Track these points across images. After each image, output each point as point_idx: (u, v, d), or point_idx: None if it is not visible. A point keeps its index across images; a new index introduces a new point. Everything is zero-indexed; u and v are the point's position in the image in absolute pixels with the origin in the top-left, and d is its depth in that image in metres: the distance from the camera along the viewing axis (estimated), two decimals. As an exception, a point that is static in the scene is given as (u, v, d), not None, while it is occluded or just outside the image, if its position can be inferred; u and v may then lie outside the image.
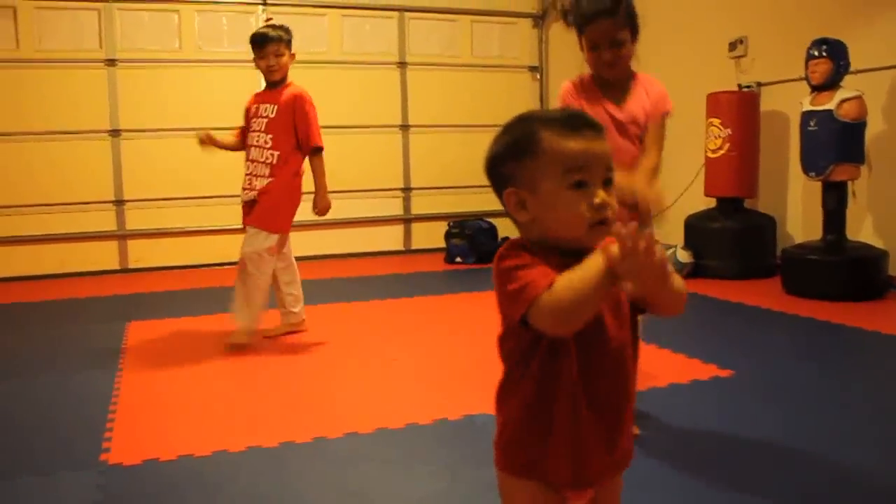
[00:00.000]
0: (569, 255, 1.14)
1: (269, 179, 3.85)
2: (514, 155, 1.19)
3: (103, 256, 6.65)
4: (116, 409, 2.98)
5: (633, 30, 2.47)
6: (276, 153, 3.86)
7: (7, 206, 6.34)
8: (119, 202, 6.63)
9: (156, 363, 3.65)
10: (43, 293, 5.71)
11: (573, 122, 1.17)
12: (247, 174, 3.92)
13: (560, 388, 1.16)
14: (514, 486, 1.23)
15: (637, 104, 2.55)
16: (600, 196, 1.15)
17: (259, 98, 3.99)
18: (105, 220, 6.61)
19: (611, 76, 2.53)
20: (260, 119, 3.89)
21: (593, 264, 1.06)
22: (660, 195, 2.43)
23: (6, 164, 6.32)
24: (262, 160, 3.87)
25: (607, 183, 1.17)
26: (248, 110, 4.01)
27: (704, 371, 3.34)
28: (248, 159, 3.93)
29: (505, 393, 1.24)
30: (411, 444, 2.56)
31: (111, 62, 6.54)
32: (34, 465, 2.46)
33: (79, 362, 3.72)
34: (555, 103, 3.09)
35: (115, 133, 6.57)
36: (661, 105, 2.59)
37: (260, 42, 3.86)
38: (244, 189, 3.92)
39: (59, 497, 2.25)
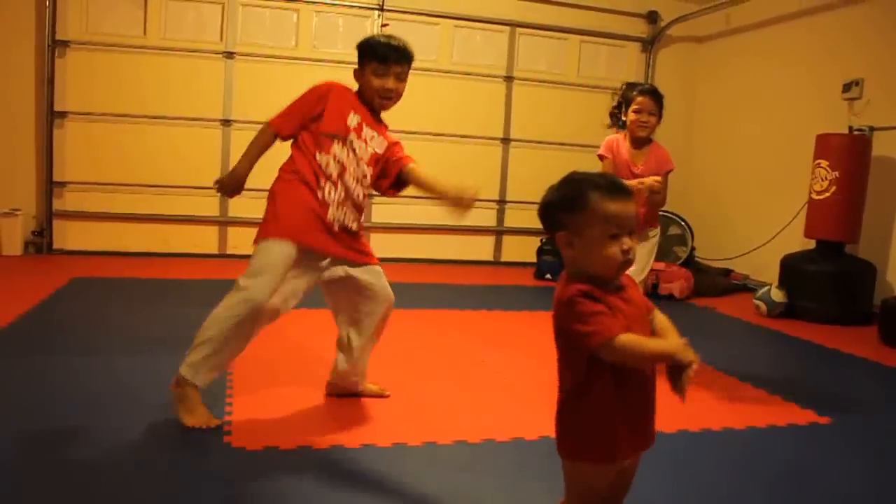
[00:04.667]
0: (592, 281, 1.57)
1: (358, 221, 3.01)
2: (568, 207, 1.59)
3: (205, 240, 6.91)
4: (233, 392, 3.13)
5: (660, 113, 3.89)
6: (365, 194, 3.00)
7: (119, 183, 6.65)
8: (224, 189, 6.86)
9: (264, 350, 3.78)
10: (150, 271, 5.97)
11: (613, 187, 1.58)
12: (336, 200, 2.88)
13: (609, 395, 1.59)
14: (587, 469, 1.64)
15: (648, 164, 3.87)
16: (627, 243, 1.57)
17: (362, 114, 2.94)
18: (209, 206, 6.86)
19: (641, 136, 3.87)
20: (363, 144, 2.92)
21: (661, 346, 1.59)
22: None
23: (125, 143, 6.63)
24: (356, 196, 2.94)
25: (630, 233, 1.58)
26: (342, 113, 2.89)
27: (802, 416, 3.33)
28: (336, 177, 2.87)
29: (571, 403, 1.64)
30: (519, 457, 2.64)
31: (229, 55, 6.79)
32: (162, 443, 2.61)
33: (191, 343, 3.87)
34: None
35: (226, 123, 6.81)
36: (665, 165, 3.90)
37: (395, 57, 2.90)
38: (335, 204, 2.88)
39: (190, 476, 2.39)
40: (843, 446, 3.00)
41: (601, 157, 3.93)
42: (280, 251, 2.77)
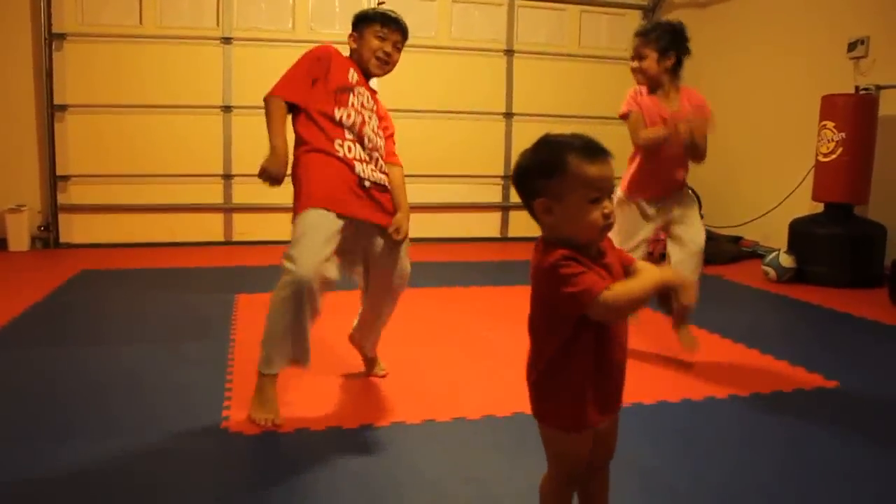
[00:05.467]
0: (572, 247, 1.52)
1: (385, 174, 2.93)
2: (545, 173, 1.53)
3: (210, 228, 6.91)
4: (233, 378, 3.13)
5: (661, 51, 3.34)
6: (382, 143, 2.97)
7: (123, 174, 6.65)
8: (227, 176, 6.86)
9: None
10: (156, 261, 5.99)
11: (591, 149, 1.52)
12: (359, 156, 2.82)
13: (588, 363, 1.58)
14: (565, 437, 1.63)
15: (682, 109, 3.36)
16: (609, 207, 1.52)
17: (359, 74, 2.93)
18: (213, 193, 6.86)
19: (636, 80, 3.44)
20: (363, 98, 2.90)
21: (650, 277, 1.56)
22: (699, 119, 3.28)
23: (126, 134, 6.62)
24: (380, 147, 2.93)
25: (611, 195, 1.54)
26: (343, 70, 2.87)
27: (809, 380, 3.29)
28: (359, 127, 2.84)
29: (550, 371, 1.61)
30: (518, 432, 2.62)
31: (227, 40, 6.76)
32: (161, 429, 2.61)
33: (194, 331, 3.92)
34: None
35: (226, 109, 6.79)
36: (703, 111, 3.37)
37: (395, 24, 2.93)
38: (369, 164, 2.85)
39: (186, 461, 2.39)
40: (848, 411, 2.97)
41: (624, 116, 3.45)
42: (313, 219, 2.66)
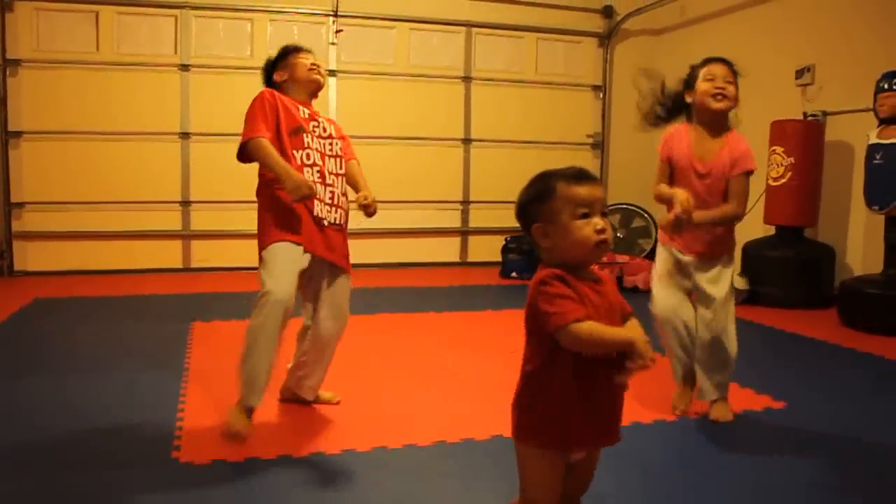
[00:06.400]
0: (573, 271, 1.63)
1: (344, 211, 3.02)
2: (539, 199, 1.67)
3: (168, 255, 6.87)
4: (185, 407, 3.10)
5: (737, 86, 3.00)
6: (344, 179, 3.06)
7: (79, 201, 6.60)
8: (185, 203, 6.84)
9: (220, 365, 3.75)
10: (113, 288, 5.94)
11: (579, 175, 1.66)
12: (325, 186, 2.91)
13: (569, 382, 1.63)
14: (535, 455, 1.68)
15: (719, 161, 2.98)
16: (600, 223, 1.63)
17: (304, 105, 3.01)
18: (171, 220, 6.83)
19: (717, 108, 2.97)
20: (319, 129, 2.99)
21: (621, 334, 1.61)
22: (687, 203, 2.81)
23: (82, 161, 6.59)
24: (340, 183, 3.01)
25: (604, 215, 1.65)
26: (291, 111, 2.92)
27: (758, 402, 3.35)
28: (321, 164, 2.92)
29: (532, 385, 1.67)
30: (469, 458, 2.64)
31: (185, 67, 6.76)
32: (111, 460, 2.59)
33: (148, 360, 3.88)
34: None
35: (184, 136, 6.78)
36: (741, 164, 2.96)
37: (305, 49, 3.07)
38: (327, 204, 2.91)
39: (135, 492, 2.36)
40: (796, 431, 3.01)
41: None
42: (282, 249, 2.78)
